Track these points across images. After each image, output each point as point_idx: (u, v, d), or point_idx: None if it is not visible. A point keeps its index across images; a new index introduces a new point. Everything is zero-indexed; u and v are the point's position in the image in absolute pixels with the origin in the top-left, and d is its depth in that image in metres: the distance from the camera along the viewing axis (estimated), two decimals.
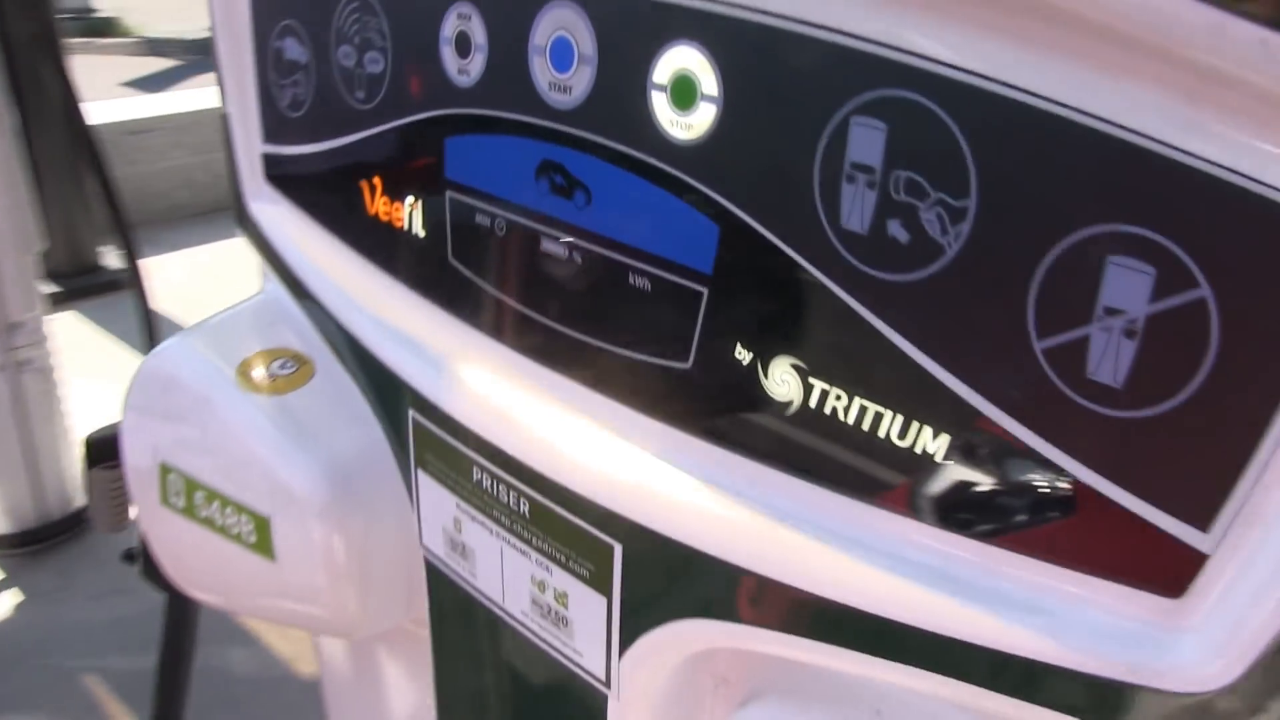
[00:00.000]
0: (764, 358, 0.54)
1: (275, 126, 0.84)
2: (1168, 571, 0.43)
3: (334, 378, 0.84)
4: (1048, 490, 0.45)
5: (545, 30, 0.59)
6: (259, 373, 0.86)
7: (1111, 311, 0.41)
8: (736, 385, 0.55)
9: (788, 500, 0.54)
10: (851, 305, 0.49)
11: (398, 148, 0.72)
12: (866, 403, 0.50)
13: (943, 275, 0.46)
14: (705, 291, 0.55)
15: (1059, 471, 0.44)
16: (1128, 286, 0.41)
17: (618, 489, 0.60)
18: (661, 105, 0.54)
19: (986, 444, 0.47)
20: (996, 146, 0.43)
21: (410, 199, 0.72)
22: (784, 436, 0.54)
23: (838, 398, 0.51)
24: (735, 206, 0.53)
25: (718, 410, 0.57)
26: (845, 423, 0.51)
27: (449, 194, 0.69)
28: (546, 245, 0.63)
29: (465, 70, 0.64)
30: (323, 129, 0.78)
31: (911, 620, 0.48)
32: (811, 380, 0.52)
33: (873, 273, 0.48)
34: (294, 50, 0.78)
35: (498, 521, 0.71)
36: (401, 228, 0.74)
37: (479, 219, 0.67)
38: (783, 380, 0.53)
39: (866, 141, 0.47)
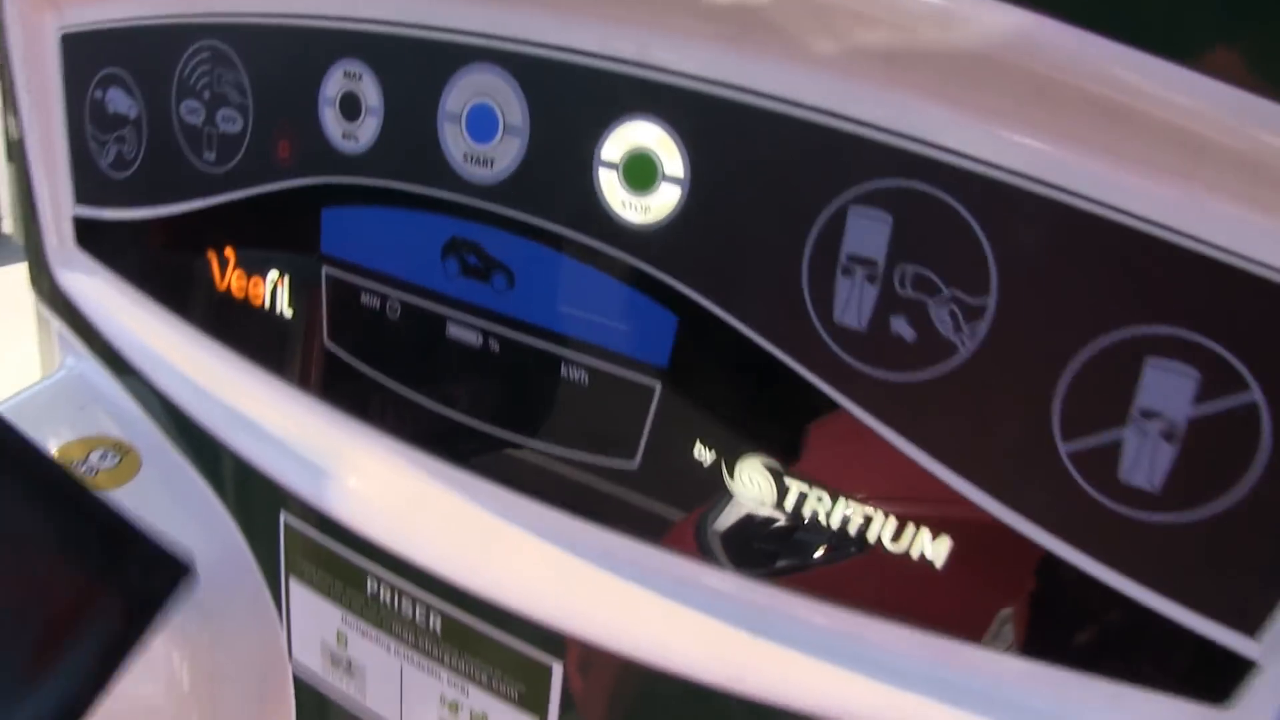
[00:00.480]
0: (729, 457, 0.49)
1: (93, 187, 0.71)
2: (1213, 679, 0.41)
3: (166, 468, 0.72)
4: (1078, 598, 0.42)
5: (461, 96, 0.52)
6: (76, 468, 0.73)
7: (1148, 414, 0.39)
8: (694, 486, 0.50)
9: (753, 610, 0.49)
10: (843, 404, 0.45)
11: (259, 217, 0.62)
12: (854, 504, 0.46)
13: (955, 375, 0.42)
14: (658, 386, 0.50)
15: (1089, 579, 0.42)
16: (1168, 388, 0.39)
17: (560, 602, 0.53)
18: (610, 184, 0.48)
19: (998, 549, 0.43)
20: (1021, 242, 0.40)
21: (274, 274, 0.63)
22: (750, 541, 0.49)
23: (819, 499, 0.47)
24: (700, 296, 0.47)
25: (671, 513, 0.52)
26: (827, 526, 0.47)
27: (326, 270, 0.60)
28: (456, 331, 0.55)
29: (351, 135, 0.56)
30: (157, 192, 0.67)
31: None
32: (787, 481, 0.48)
33: (871, 371, 0.44)
34: (120, 102, 0.66)
35: (398, 637, 0.62)
36: (262, 306, 0.64)
37: (365, 299, 0.59)
38: (751, 481, 0.49)
39: (868, 233, 0.43)
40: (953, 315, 0.42)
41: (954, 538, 0.44)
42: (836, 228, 0.43)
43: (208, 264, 0.66)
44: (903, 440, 0.44)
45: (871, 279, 0.43)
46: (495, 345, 0.54)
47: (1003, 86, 0.39)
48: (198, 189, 0.64)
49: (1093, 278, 0.39)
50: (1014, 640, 0.44)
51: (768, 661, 0.49)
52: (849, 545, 0.47)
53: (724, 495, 0.49)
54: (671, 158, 0.46)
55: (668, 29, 0.46)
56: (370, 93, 0.55)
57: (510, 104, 0.50)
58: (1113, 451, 0.40)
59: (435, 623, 0.58)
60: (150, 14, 0.64)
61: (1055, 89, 0.38)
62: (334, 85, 0.56)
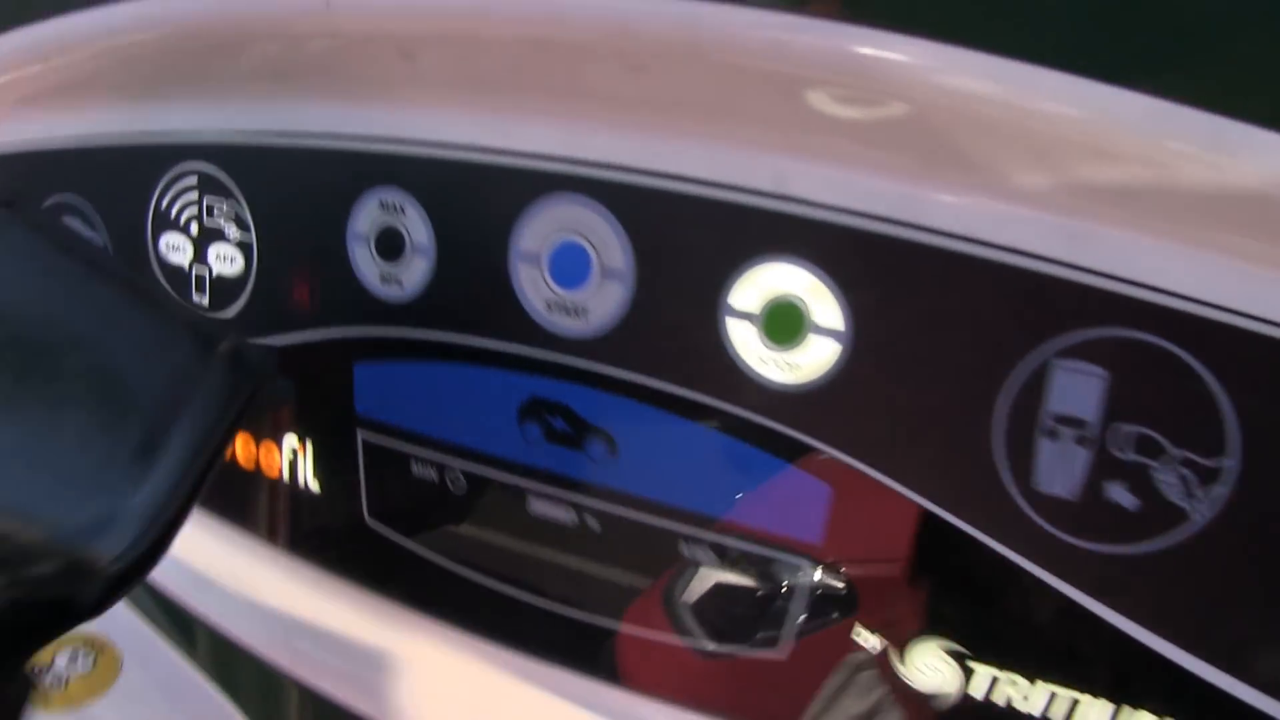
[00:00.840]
0: (898, 640, 0.42)
1: None
2: None
3: (156, 665, 0.61)
4: None
5: (540, 233, 0.44)
6: (39, 678, 0.61)
7: None
8: (855, 674, 0.43)
9: None
10: (1048, 581, 0.39)
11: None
12: (1059, 689, 0.40)
13: (1186, 545, 0.37)
14: (805, 564, 0.43)
15: None
16: None
17: None
18: (745, 337, 0.41)
19: None
20: (1265, 393, 0.35)
21: (293, 441, 0.53)
22: None
23: (1012, 683, 0.41)
24: (862, 464, 0.41)
25: (827, 707, 0.45)
26: (1021, 712, 0.41)
27: (363, 435, 0.51)
28: (541, 507, 0.47)
29: (393, 278, 0.47)
30: None
31: None
32: (971, 664, 0.42)
33: (1084, 545, 0.38)
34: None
35: None
36: (279, 478, 0.54)
37: (418, 470, 0.50)
38: (929, 668, 0.42)
39: (1076, 389, 0.37)
40: (1183, 479, 0.36)
41: (1174, 714, 0.39)
42: (1037, 384, 0.37)
43: None
44: (1121, 619, 0.38)
45: (1082, 441, 0.37)
46: (594, 523, 0.46)
47: (1256, 224, 0.34)
48: None
49: None
50: None
51: None
52: None
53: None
54: (824, 306, 0.40)
55: (813, 155, 0.39)
56: (416, 228, 0.46)
57: (607, 243, 0.43)
58: None
59: None
60: (114, 132, 0.53)
61: None
62: (366, 219, 0.47)
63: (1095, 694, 0.40)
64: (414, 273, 0.47)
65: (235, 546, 0.56)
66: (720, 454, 0.43)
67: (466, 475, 0.49)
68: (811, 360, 0.40)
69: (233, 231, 0.51)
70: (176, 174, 0.52)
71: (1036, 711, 0.41)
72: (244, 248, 0.51)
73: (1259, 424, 0.35)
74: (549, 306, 0.45)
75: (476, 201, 0.45)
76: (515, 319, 0.45)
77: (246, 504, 0.56)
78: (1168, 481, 0.37)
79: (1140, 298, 0.36)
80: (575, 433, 0.46)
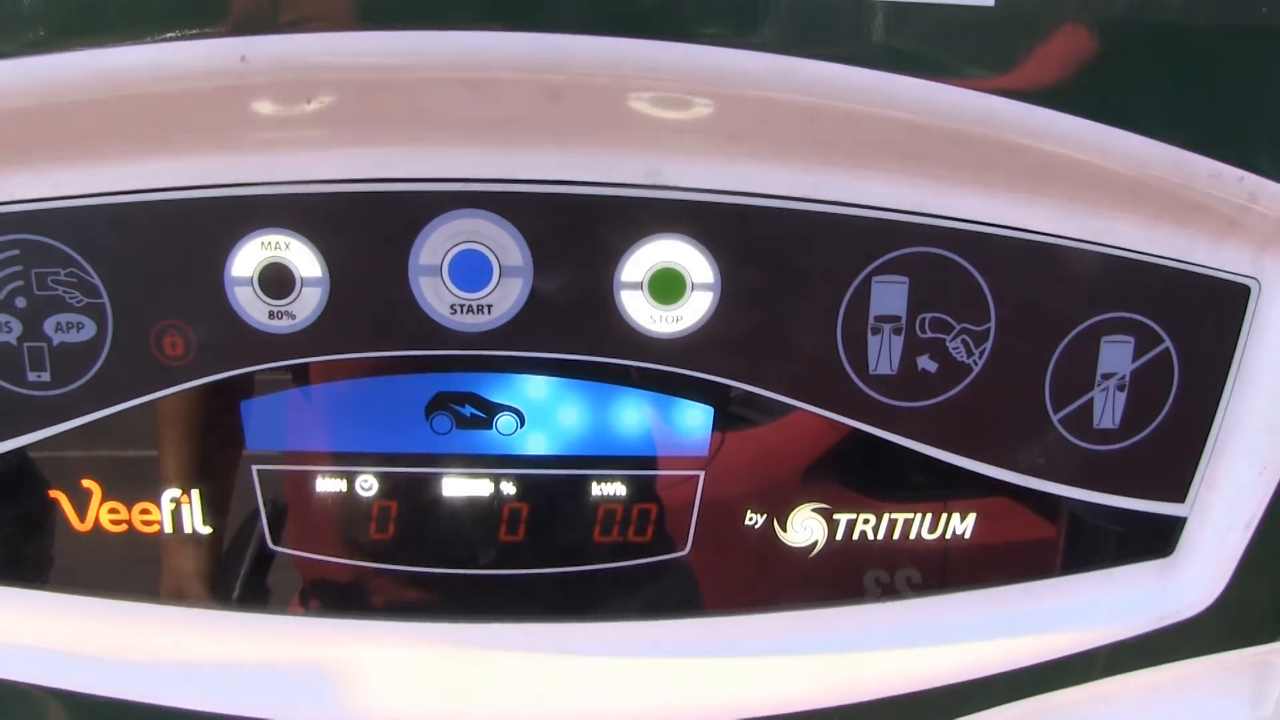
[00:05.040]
0: (779, 514, 0.55)
1: None
2: (1163, 539, 0.57)
3: None
4: (1074, 519, 0.56)
5: (439, 246, 0.49)
6: None
7: (1107, 376, 0.53)
8: (749, 552, 0.55)
9: (830, 632, 0.57)
10: (883, 436, 0.54)
11: (140, 432, 0.52)
12: (896, 515, 0.55)
13: (969, 388, 0.53)
14: (700, 475, 0.54)
15: (1083, 505, 0.56)
16: (1114, 356, 0.53)
17: (664, 702, 0.55)
18: (636, 303, 0.50)
19: (1015, 506, 0.56)
20: (1005, 275, 0.51)
21: (173, 493, 0.53)
22: (809, 577, 0.56)
23: (865, 521, 0.56)
24: (740, 384, 0.52)
25: (731, 583, 0.57)
26: (874, 540, 0.56)
27: (257, 469, 0.53)
28: (460, 487, 0.53)
29: (283, 313, 0.50)
30: None
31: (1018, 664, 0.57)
32: (836, 516, 0.55)
33: (906, 405, 0.53)
34: None
35: None
36: (160, 532, 0.54)
37: (323, 486, 0.53)
38: (804, 527, 0.55)
39: (890, 295, 0.51)
40: (965, 344, 0.52)
41: (978, 513, 0.56)
42: (863, 298, 0.51)
43: (51, 508, 0.53)
44: (933, 449, 0.54)
45: (897, 331, 0.52)
46: (510, 489, 0.53)
47: (979, 162, 0.49)
48: (22, 421, 0.51)
49: (1060, 289, 0.52)
50: (1055, 566, 0.57)
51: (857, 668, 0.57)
52: (893, 552, 0.56)
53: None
54: (699, 267, 0.50)
55: (673, 150, 0.49)
56: (304, 263, 0.49)
57: (505, 247, 0.49)
58: (1087, 409, 0.54)
59: None
60: None
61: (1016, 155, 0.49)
62: (246, 262, 0.49)
63: (918, 510, 0.56)
64: (306, 304, 0.50)
65: (132, 618, 0.55)
66: (619, 402, 0.52)
67: (378, 478, 0.53)
68: (692, 312, 0.51)
69: (75, 298, 0.50)
70: None
71: (882, 536, 0.56)
72: (94, 312, 0.50)
73: (1005, 296, 0.52)
74: (453, 309, 0.50)
75: (369, 229, 0.49)
76: (418, 325, 0.50)
77: (132, 571, 0.55)
78: (955, 347, 0.52)
79: (924, 224, 0.50)
80: (485, 415, 0.52)
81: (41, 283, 0.50)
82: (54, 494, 0.53)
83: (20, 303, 0.50)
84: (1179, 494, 0.57)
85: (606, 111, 0.47)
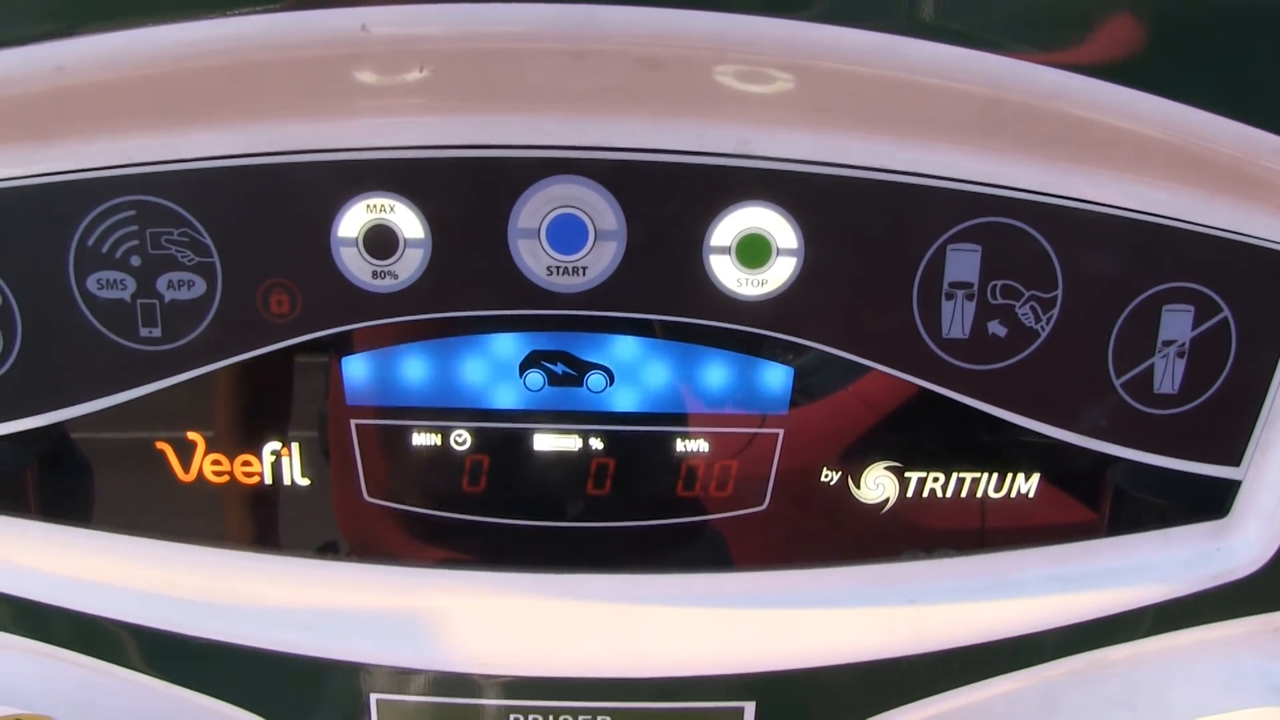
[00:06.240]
0: (854, 472, 0.58)
1: None
2: (1218, 501, 0.60)
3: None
4: (1133, 480, 0.59)
5: (537, 211, 0.52)
6: None
7: (1167, 343, 0.56)
8: (823, 507, 0.58)
9: (899, 586, 0.60)
10: (954, 398, 0.56)
11: (246, 387, 0.55)
12: (964, 474, 0.58)
13: (1037, 353, 0.55)
14: (780, 433, 0.56)
15: (1142, 467, 0.58)
16: (1174, 324, 0.55)
17: (742, 650, 0.58)
18: (724, 267, 0.53)
19: (1077, 466, 0.58)
20: (1073, 245, 0.54)
21: (275, 446, 0.56)
22: (882, 531, 0.59)
23: (935, 479, 0.58)
24: (820, 345, 0.55)
25: (805, 537, 0.59)
26: (943, 498, 0.58)
27: (355, 423, 0.55)
28: (550, 442, 0.56)
29: (386, 273, 0.52)
30: (52, 394, 0.54)
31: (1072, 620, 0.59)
32: (908, 474, 0.58)
33: (976, 368, 0.55)
34: None
35: None
36: (260, 484, 0.56)
37: (419, 440, 0.56)
38: (876, 484, 0.58)
39: (963, 263, 0.53)
40: (1033, 310, 0.55)
41: (1042, 473, 0.58)
42: (938, 265, 0.53)
43: (159, 458, 0.56)
44: (1001, 410, 0.56)
45: (969, 297, 0.54)
46: (598, 444, 0.56)
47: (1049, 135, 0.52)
48: (132, 375, 0.54)
49: (1124, 259, 0.54)
50: (1113, 525, 0.59)
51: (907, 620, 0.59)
52: (960, 509, 0.58)
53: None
54: (784, 233, 0.52)
55: (761, 121, 0.51)
56: (408, 225, 0.52)
57: (601, 211, 0.52)
58: (1148, 375, 0.56)
59: None
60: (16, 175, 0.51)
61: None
62: (352, 223, 0.52)
63: (985, 469, 0.58)
64: (408, 264, 0.52)
65: (223, 564, 0.57)
66: (704, 362, 0.55)
67: (472, 432, 0.56)
68: (776, 276, 0.53)
69: (188, 257, 0.52)
70: (104, 210, 0.51)
71: (950, 494, 0.58)
72: (205, 270, 0.52)
73: (1072, 265, 0.54)
74: (550, 271, 0.53)
75: (471, 193, 0.51)
76: (516, 286, 0.53)
77: (229, 520, 0.57)
78: (1024, 313, 0.55)
79: (996, 195, 0.53)
80: (577, 373, 0.55)
81: (155, 242, 0.52)
82: (160, 446, 0.56)
83: (135, 261, 0.52)
84: (1234, 458, 0.59)
85: (701, 83, 0.49)
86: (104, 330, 0.53)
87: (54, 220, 0.52)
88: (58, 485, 0.57)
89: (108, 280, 0.52)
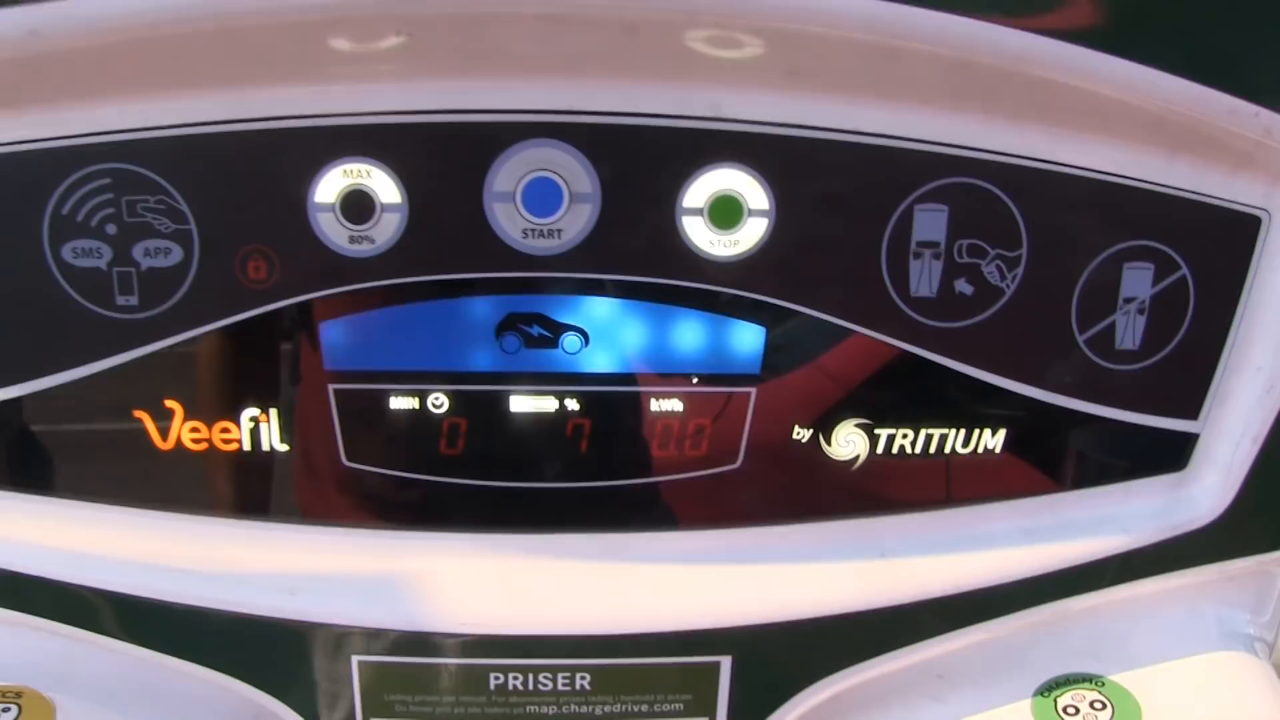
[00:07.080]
0: (825, 430, 0.59)
1: None
2: (1176, 454, 0.62)
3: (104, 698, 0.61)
4: (1096, 435, 0.60)
5: (513, 174, 0.52)
6: None
7: (1128, 300, 0.57)
8: (796, 465, 0.59)
9: (871, 540, 0.61)
10: (923, 354, 0.57)
11: (223, 354, 0.55)
12: (933, 430, 0.59)
13: (1002, 310, 0.57)
14: (752, 392, 0.58)
15: (1105, 421, 0.60)
16: (1135, 282, 0.57)
17: (718, 605, 0.59)
18: (696, 228, 0.54)
19: (1042, 421, 0.60)
20: (1037, 204, 0.55)
21: (253, 412, 0.56)
22: (852, 488, 0.60)
23: (904, 435, 0.59)
24: (791, 304, 0.56)
25: (779, 495, 0.60)
26: (912, 454, 0.60)
27: (333, 387, 0.56)
28: (527, 404, 0.57)
29: (364, 238, 0.53)
30: (28, 363, 0.55)
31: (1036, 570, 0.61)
32: (878, 431, 0.59)
33: (944, 325, 0.57)
34: None
35: (536, 716, 0.62)
36: (239, 451, 0.57)
37: (396, 404, 0.56)
38: (847, 441, 0.59)
39: (930, 222, 0.55)
40: (999, 269, 0.56)
41: (1008, 429, 0.60)
42: (905, 224, 0.55)
43: (136, 427, 0.56)
44: (968, 367, 0.58)
45: (936, 256, 0.55)
46: (574, 405, 0.57)
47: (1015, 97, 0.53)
48: (109, 344, 0.54)
49: (1086, 218, 0.56)
50: (1078, 479, 0.61)
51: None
52: (929, 465, 0.60)
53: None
54: (755, 194, 0.53)
55: (734, 85, 0.52)
56: (385, 190, 0.52)
57: (575, 174, 0.52)
58: (1110, 331, 0.58)
59: (584, 680, 0.60)
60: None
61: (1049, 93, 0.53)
62: (329, 188, 0.52)
63: (953, 426, 0.59)
64: (385, 229, 0.53)
65: (201, 531, 0.58)
66: (678, 322, 0.56)
67: (449, 395, 0.56)
68: (748, 236, 0.54)
69: (164, 225, 0.52)
70: (79, 178, 0.51)
71: (919, 450, 0.60)
72: (181, 238, 0.52)
73: (1036, 224, 0.55)
74: (525, 233, 0.53)
75: (447, 157, 0.52)
76: (492, 249, 0.53)
77: (208, 486, 0.58)
78: (990, 271, 0.56)
79: (962, 156, 0.54)
80: (552, 334, 0.56)
81: (131, 210, 0.52)
82: (137, 414, 0.56)
83: (111, 229, 0.52)
84: (1193, 411, 0.61)
85: (674, 48, 0.50)
86: (80, 299, 0.53)
87: (28, 189, 0.52)
88: (34, 455, 0.57)
89: (83, 249, 0.53)
